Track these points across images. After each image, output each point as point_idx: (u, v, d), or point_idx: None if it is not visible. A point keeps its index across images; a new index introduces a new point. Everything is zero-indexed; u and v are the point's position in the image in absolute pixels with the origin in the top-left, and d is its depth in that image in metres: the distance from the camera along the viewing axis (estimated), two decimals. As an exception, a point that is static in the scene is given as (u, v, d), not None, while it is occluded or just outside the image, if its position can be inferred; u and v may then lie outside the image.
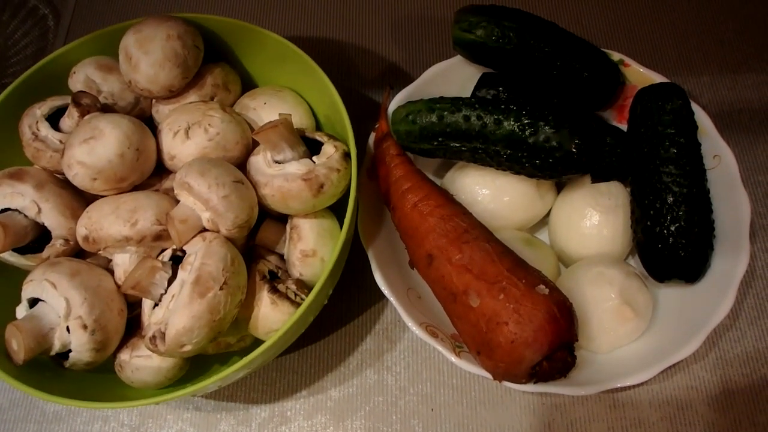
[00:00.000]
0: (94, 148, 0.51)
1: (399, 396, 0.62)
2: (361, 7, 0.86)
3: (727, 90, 0.75)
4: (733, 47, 0.79)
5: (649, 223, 0.57)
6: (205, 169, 0.50)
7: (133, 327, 0.54)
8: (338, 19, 0.85)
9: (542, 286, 0.48)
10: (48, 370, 0.53)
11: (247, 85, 0.66)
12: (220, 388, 0.56)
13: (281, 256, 0.59)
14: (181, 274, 0.48)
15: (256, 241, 0.58)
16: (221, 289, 0.48)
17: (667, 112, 0.59)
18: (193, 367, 0.57)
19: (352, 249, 0.60)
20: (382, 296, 0.65)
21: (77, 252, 0.56)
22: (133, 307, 0.54)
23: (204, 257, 0.48)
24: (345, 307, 0.66)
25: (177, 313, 0.47)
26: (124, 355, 0.54)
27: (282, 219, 0.59)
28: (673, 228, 0.56)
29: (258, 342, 0.56)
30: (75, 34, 0.87)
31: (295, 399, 0.63)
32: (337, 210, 0.59)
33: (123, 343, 0.54)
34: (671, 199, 0.56)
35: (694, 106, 0.61)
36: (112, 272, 0.54)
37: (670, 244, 0.56)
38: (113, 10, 0.89)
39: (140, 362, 0.53)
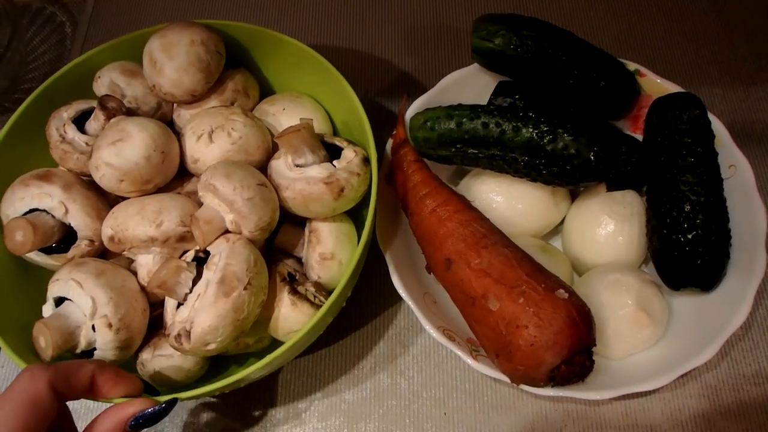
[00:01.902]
0: (122, 150, 0.52)
1: (412, 400, 0.62)
2: (374, 17, 0.87)
3: (740, 101, 0.76)
4: (746, 59, 0.79)
5: (665, 231, 0.57)
6: (230, 171, 0.51)
7: (154, 327, 0.55)
8: (353, 29, 0.86)
9: (562, 291, 0.49)
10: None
11: (265, 91, 0.67)
12: (239, 387, 0.56)
13: (299, 260, 0.59)
14: (206, 273, 0.49)
15: (275, 244, 0.59)
16: (245, 288, 0.48)
17: (684, 122, 0.59)
18: (211, 367, 0.58)
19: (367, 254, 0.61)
20: (395, 300, 0.66)
21: (100, 253, 0.56)
22: (154, 307, 0.55)
23: (228, 258, 0.49)
24: (358, 311, 0.67)
25: (202, 311, 0.47)
26: (146, 354, 0.54)
27: (299, 223, 0.59)
28: (690, 236, 0.56)
29: (275, 343, 0.57)
30: (92, 41, 0.88)
31: (310, 401, 0.63)
32: (353, 216, 0.60)
33: (145, 343, 0.54)
34: (688, 207, 0.57)
35: (711, 116, 0.61)
36: (134, 273, 0.54)
37: (687, 251, 0.56)
38: (129, 18, 0.90)
39: (162, 361, 0.54)
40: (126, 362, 0.54)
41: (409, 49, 0.84)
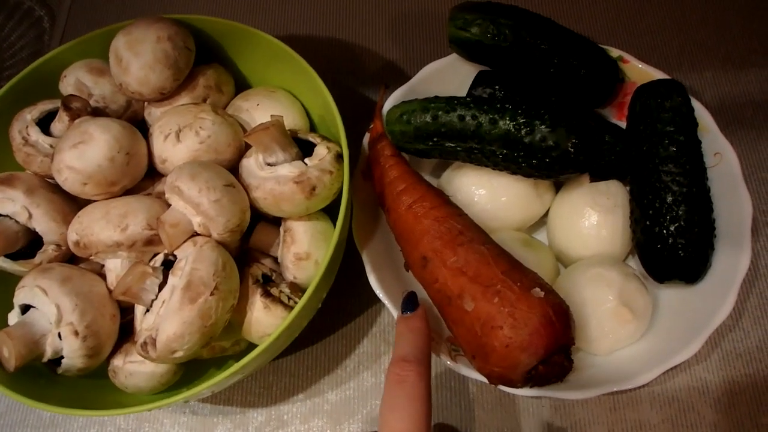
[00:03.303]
0: (84, 153, 0.50)
1: (396, 399, 0.61)
2: (358, 5, 0.85)
3: (730, 85, 0.74)
4: (736, 42, 0.77)
5: (648, 222, 0.56)
6: (195, 172, 0.50)
7: (127, 332, 0.54)
8: (335, 18, 0.84)
9: (538, 289, 0.47)
10: (41, 376, 0.52)
11: (241, 86, 0.66)
12: (214, 393, 0.55)
13: (276, 260, 0.58)
14: (171, 279, 0.48)
15: (250, 244, 0.58)
16: (212, 294, 0.47)
17: (666, 110, 0.58)
18: (188, 371, 0.57)
19: (348, 251, 0.59)
20: (379, 298, 0.64)
21: (70, 257, 0.55)
22: (127, 312, 0.54)
23: (195, 262, 0.48)
24: (342, 309, 0.65)
25: (167, 319, 0.46)
26: (117, 361, 0.53)
27: (276, 222, 0.58)
28: (672, 228, 0.55)
29: (253, 346, 0.56)
30: (70, 36, 0.86)
31: (292, 402, 0.62)
32: (332, 212, 0.58)
33: (116, 349, 0.53)
34: (670, 198, 0.55)
35: (695, 103, 0.60)
36: (105, 277, 0.53)
37: (670, 244, 0.55)
38: (109, 12, 0.88)
39: (134, 368, 0.52)
40: (98, 369, 0.52)
41: (392, 38, 0.82)
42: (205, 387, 0.48)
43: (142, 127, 0.58)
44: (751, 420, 0.58)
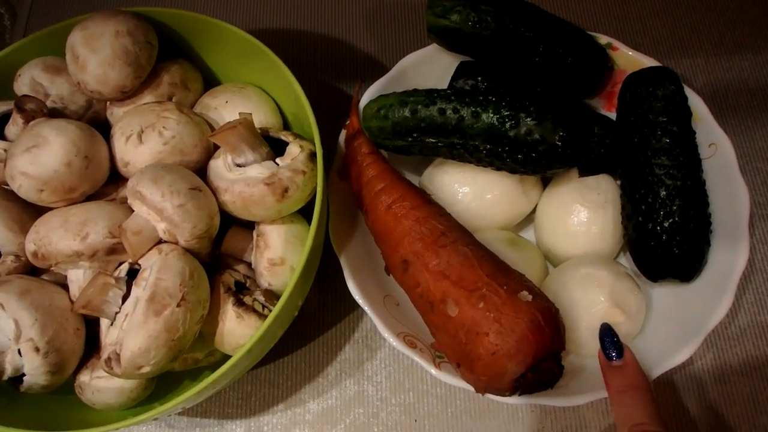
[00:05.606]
0: (38, 158, 0.47)
1: (380, 407, 0.59)
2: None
3: (723, 71, 0.72)
4: (729, 26, 0.75)
5: (640, 219, 0.54)
6: (158, 176, 0.47)
7: (94, 346, 0.51)
8: (308, 9, 0.81)
9: (525, 293, 0.45)
10: (4, 395, 0.50)
11: (210, 82, 0.63)
12: (185, 409, 0.53)
13: (251, 265, 0.55)
14: (135, 290, 0.45)
15: (222, 249, 0.55)
16: (179, 305, 0.44)
17: (658, 99, 0.55)
18: (161, 384, 0.54)
19: (327, 254, 0.57)
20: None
21: (32, 268, 0.52)
22: (95, 324, 0.51)
23: (159, 272, 0.45)
24: (322, 315, 0.63)
25: (131, 333, 0.43)
26: (83, 377, 0.50)
27: (250, 225, 0.55)
28: (666, 224, 0.52)
29: (228, 357, 0.53)
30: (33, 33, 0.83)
31: (272, 413, 0.60)
32: (309, 214, 0.55)
33: (83, 364, 0.51)
34: (664, 192, 0.53)
35: (689, 92, 0.58)
36: (69, 288, 0.50)
37: (663, 241, 0.52)
38: (72, 8, 0.84)
39: (101, 383, 0.50)
40: (64, 384, 0.50)
41: (371, 28, 0.79)
42: (175, 404, 0.45)
43: (104, 128, 0.55)
44: (748, 421, 0.56)
